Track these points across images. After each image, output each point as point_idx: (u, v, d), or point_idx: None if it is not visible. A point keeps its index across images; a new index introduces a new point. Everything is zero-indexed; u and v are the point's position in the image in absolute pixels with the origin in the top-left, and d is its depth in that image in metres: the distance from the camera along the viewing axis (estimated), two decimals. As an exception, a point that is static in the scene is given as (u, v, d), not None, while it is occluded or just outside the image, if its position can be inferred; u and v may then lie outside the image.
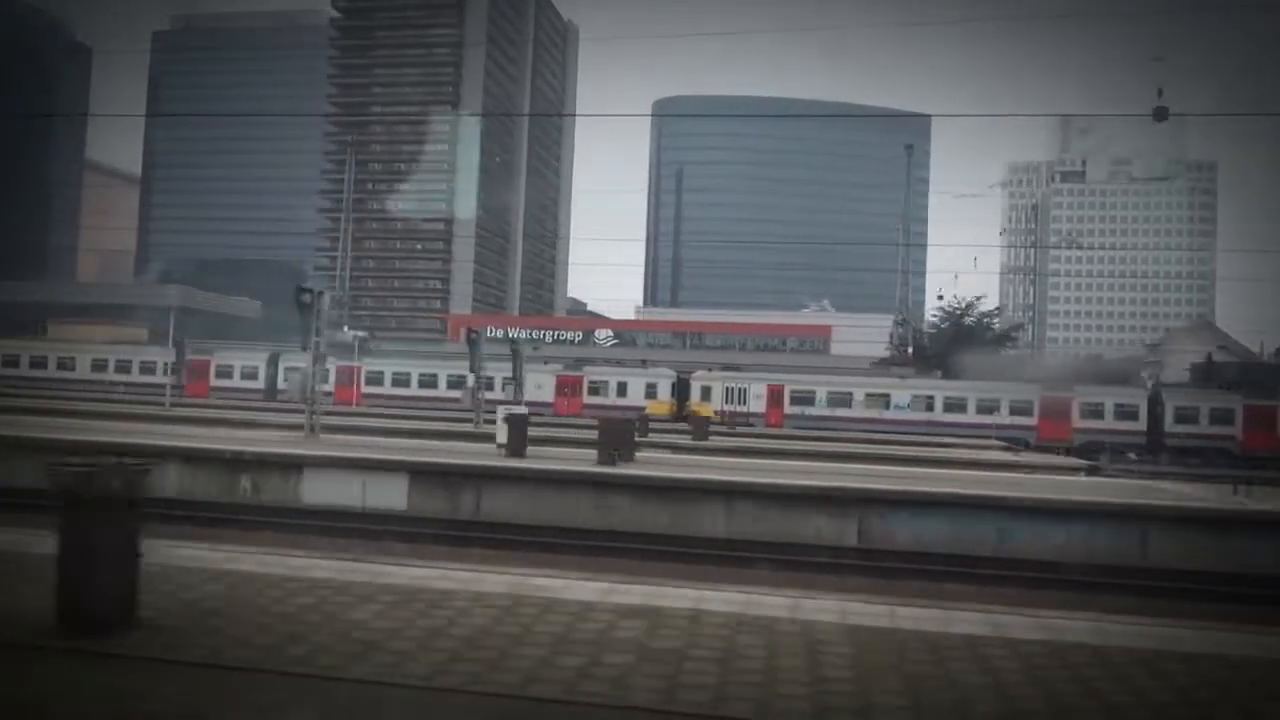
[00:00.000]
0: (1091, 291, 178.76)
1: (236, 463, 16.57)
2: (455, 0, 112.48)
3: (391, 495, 15.65)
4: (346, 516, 14.98)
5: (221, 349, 58.98)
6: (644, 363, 59.01)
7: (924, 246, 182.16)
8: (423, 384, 52.42)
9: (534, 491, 15.96)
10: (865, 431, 39.96)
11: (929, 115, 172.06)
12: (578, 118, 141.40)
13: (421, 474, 16.09)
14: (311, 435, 21.29)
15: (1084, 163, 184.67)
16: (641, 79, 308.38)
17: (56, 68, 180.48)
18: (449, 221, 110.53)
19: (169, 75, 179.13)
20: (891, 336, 69.39)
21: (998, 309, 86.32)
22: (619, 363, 58.43)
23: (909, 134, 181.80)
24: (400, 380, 52.68)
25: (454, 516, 15.44)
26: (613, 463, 17.00)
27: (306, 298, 20.68)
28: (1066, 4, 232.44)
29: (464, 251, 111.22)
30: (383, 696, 5.13)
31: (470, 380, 30.06)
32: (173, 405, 40.55)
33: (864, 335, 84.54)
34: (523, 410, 20.79)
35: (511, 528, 14.70)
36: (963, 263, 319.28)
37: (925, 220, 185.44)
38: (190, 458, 16.79)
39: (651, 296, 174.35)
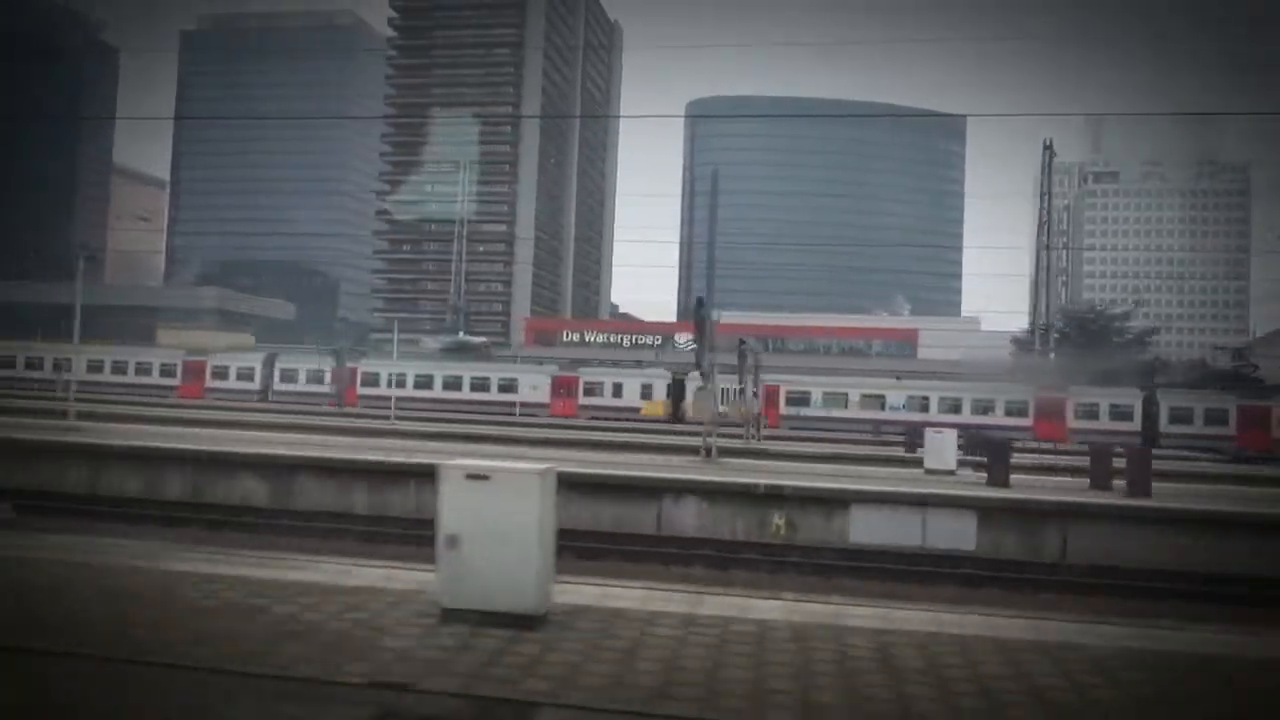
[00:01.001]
0: (1127, 293, 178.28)
1: (770, 498, 15.43)
2: (516, 0, 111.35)
3: (958, 534, 14.56)
4: (899, 558, 13.98)
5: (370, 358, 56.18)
6: (639, 363, 59.25)
7: (960, 249, 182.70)
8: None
9: (1132, 531, 14.44)
10: (860, 431, 40.72)
11: (963, 116, 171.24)
12: (615, 119, 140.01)
13: (992, 510, 14.96)
14: (709, 460, 20.23)
15: (1106, 163, 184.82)
16: (674, 80, 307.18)
17: (83, 68, 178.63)
18: (510, 223, 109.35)
19: (197, 75, 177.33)
20: (1031, 338, 67.83)
21: (1127, 312, 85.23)
22: (614, 363, 58.22)
23: (944, 135, 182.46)
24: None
25: (1035, 559, 14.33)
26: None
27: (703, 311, 19.59)
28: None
29: (524, 254, 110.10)
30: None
31: (749, 392, 28.81)
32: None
33: (947, 340, 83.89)
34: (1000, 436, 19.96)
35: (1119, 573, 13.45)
36: (989, 264, 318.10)
37: (961, 222, 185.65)
38: (712, 491, 15.58)
39: (686, 299, 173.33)
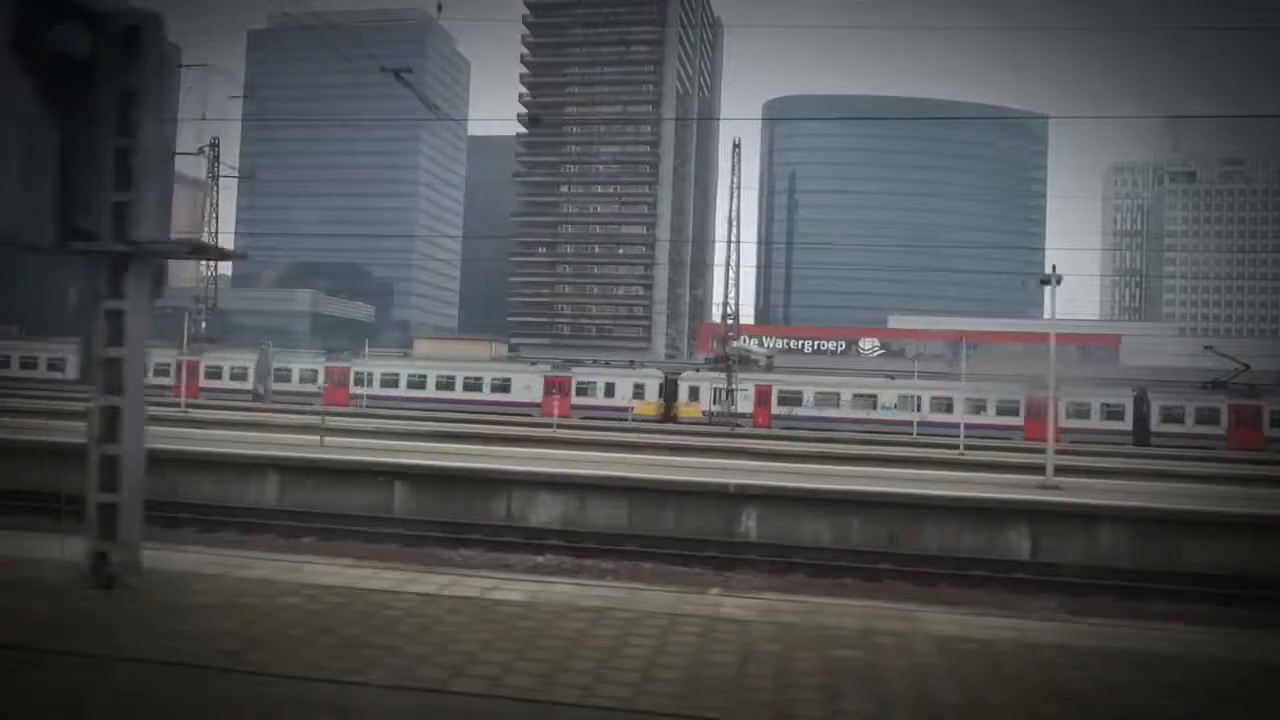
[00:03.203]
0: (1208, 295, 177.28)
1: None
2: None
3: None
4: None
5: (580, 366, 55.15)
6: (631, 363, 59.45)
7: (1041, 250, 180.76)
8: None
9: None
10: (853, 431, 40.95)
11: (1046, 117, 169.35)
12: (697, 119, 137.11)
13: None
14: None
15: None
16: (751, 78, 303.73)
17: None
18: (651, 225, 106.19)
19: (266, 74, 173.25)
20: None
21: None
22: (607, 363, 58.16)
23: (1025, 135, 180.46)
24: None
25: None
26: None
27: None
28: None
29: (663, 256, 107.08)
30: None
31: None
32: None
33: (1144, 346, 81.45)
34: None
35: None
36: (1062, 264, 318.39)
37: (1043, 223, 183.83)
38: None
39: (765, 302, 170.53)
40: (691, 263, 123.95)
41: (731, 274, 57.16)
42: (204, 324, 61.27)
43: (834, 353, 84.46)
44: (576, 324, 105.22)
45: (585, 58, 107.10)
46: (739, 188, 59.83)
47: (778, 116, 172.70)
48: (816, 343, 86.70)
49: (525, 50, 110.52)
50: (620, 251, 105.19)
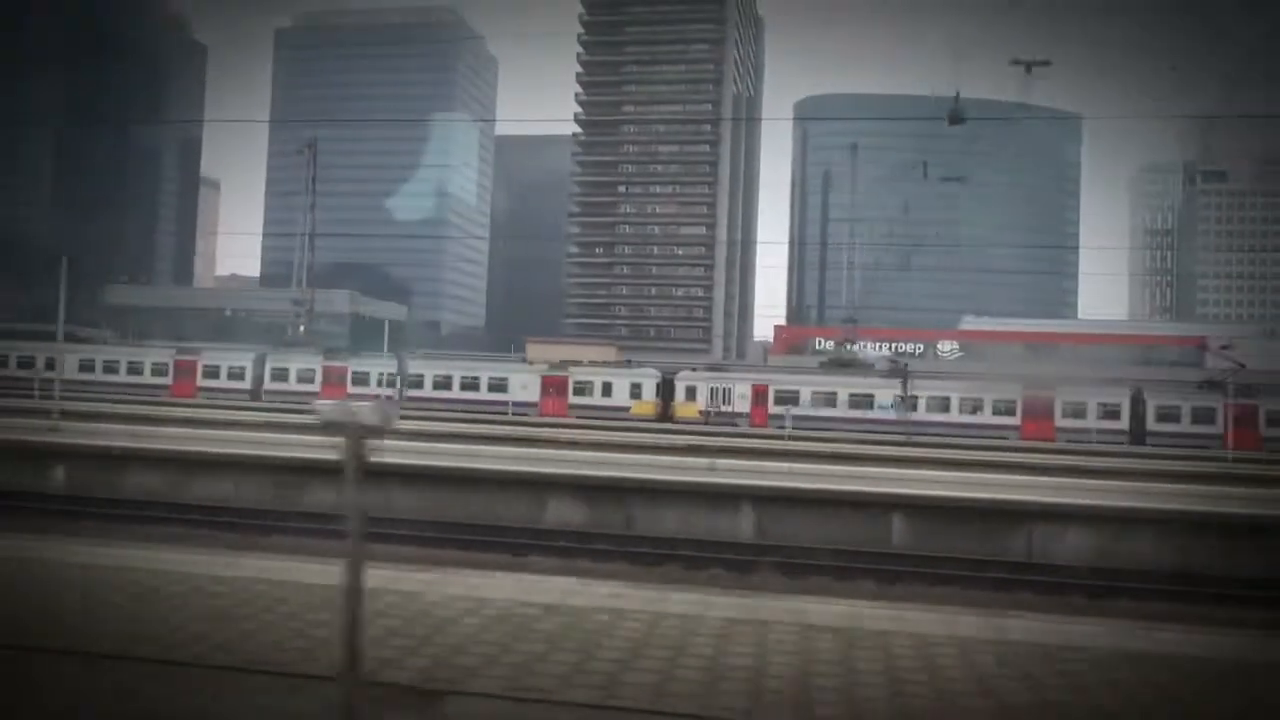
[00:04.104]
0: (1244, 295, 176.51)
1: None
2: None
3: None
4: None
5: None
6: (629, 362, 59.43)
7: (1076, 249, 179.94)
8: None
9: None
10: (850, 431, 40.77)
11: (1080, 117, 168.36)
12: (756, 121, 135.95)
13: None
14: None
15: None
16: (779, 78, 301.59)
17: (171, 66, 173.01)
18: (710, 226, 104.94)
19: (292, 74, 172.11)
20: None
21: None
22: (603, 363, 57.91)
23: (1058, 134, 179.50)
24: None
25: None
26: None
27: None
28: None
29: (721, 258, 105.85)
30: None
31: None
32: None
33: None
34: None
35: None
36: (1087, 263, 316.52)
37: (1077, 222, 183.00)
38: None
39: (797, 303, 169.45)
40: (740, 263, 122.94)
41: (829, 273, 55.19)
42: (302, 329, 59.95)
43: (912, 355, 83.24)
44: (635, 325, 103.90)
45: (646, 56, 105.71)
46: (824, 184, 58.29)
47: (810, 116, 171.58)
48: (894, 345, 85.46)
49: (580, 49, 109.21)
50: (679, 252, 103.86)
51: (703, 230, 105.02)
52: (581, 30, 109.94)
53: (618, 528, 15.97)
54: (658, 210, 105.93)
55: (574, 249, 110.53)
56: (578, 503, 16.61)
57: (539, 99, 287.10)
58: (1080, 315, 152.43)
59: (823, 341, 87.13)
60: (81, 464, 18.27)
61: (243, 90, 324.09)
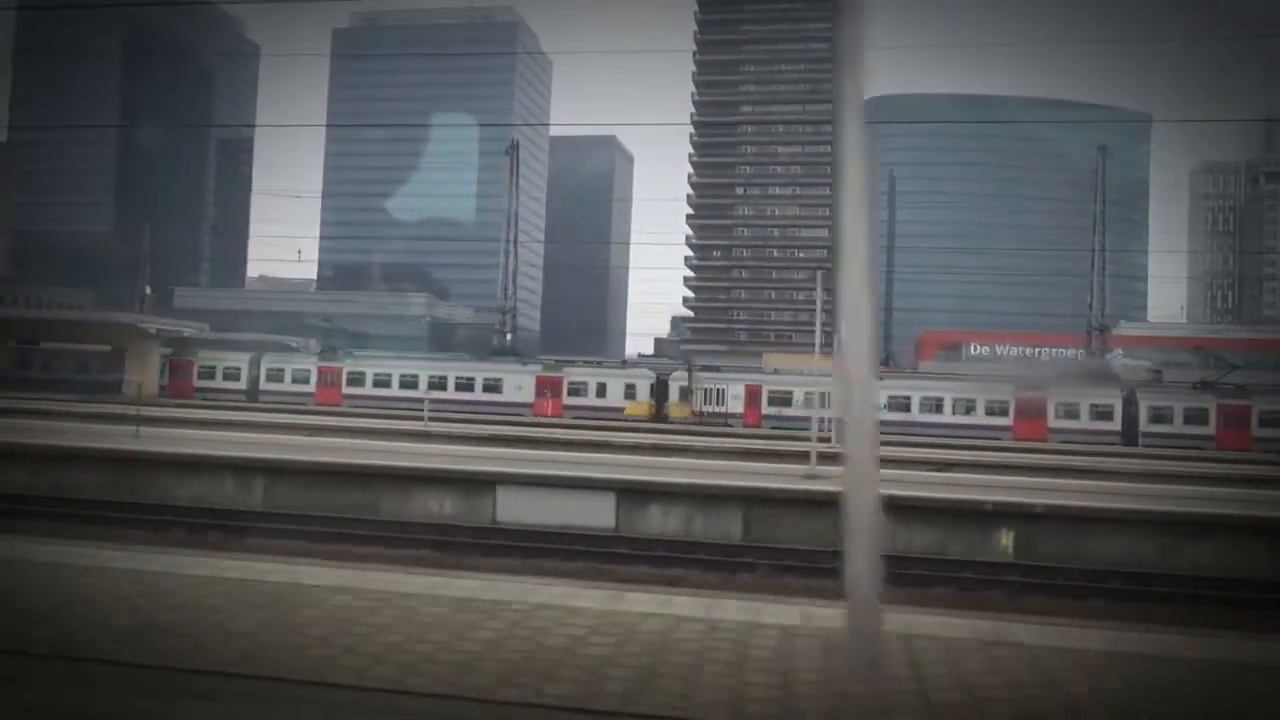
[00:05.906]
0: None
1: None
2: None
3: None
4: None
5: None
6: (623, 362, 59.82)
7: (1145, 253, 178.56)
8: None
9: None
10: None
11: (1150, 119, 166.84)
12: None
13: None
14: None
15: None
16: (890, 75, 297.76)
17: (223, 66, 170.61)
18: (831, 228, 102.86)
19: (349, 75, 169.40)
20: None
21: None
22: (599, 363, 57.68)
23: (1128, 134, 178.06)
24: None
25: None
26: None
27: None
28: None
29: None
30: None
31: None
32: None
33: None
34: None
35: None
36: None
37: (1145, 224, 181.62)
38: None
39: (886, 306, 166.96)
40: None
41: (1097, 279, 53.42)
42: (508, 337, 57.93)
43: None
44: (754, 329, 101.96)
45: (765, 55, 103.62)
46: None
47: (878, 120, 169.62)
48: (1038, 349, 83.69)
49: (695, 48, 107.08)
50: (800, 255, 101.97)
51: (824, 232, 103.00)
52: (696, 29, 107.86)
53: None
54: (776, 212, 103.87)
55: (691, 252, 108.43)
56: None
57: (594, 95, 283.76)
58: (1149, 318, 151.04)
59: (977, 347, 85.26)
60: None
61: (291, 89, 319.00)
